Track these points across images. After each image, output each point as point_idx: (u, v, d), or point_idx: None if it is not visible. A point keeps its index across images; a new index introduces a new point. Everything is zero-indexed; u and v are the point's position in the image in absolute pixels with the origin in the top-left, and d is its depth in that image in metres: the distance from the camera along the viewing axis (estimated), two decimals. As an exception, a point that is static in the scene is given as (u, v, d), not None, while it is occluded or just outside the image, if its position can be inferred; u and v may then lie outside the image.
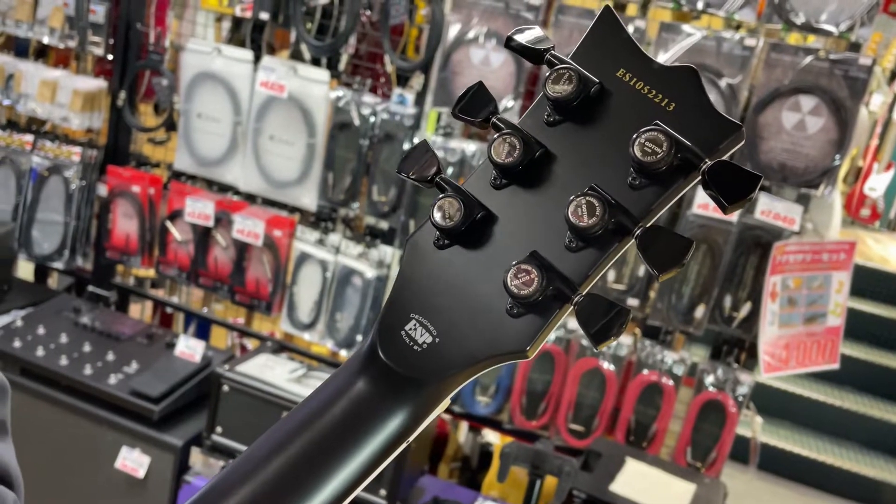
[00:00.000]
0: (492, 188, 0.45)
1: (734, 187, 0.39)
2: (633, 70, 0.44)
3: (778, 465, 4.12)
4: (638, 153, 0.41)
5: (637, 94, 0.43)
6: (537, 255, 0.42)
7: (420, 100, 2.29)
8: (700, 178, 0.41)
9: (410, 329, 0.44)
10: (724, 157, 0.41)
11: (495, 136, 0.44)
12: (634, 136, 0.41)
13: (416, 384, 0.43)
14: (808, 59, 1.99)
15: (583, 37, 0.46)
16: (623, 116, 0.43)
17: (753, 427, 2.26)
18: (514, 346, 0.42)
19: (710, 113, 0.42)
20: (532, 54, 0.45)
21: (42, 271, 2.92)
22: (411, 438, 0.44)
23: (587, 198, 0.41)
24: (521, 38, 0.45)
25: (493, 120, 0.45)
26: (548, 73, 0.44)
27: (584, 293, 0.42)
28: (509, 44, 0.45)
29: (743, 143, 0.42)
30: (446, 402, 0.45)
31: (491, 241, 0.44)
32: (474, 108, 0.45)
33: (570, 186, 0.43)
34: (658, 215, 0.43)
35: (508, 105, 2.20)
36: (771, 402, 4.20)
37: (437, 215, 0.44)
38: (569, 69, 0.44)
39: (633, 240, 0.41)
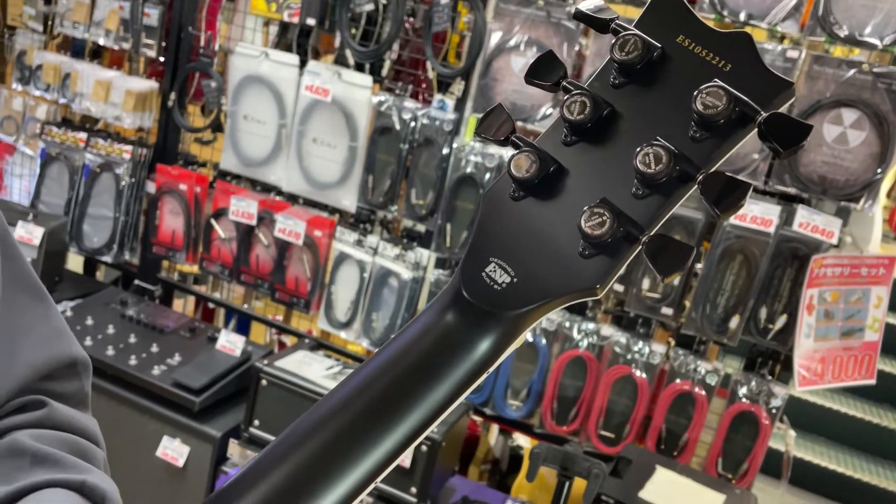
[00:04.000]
0: (562, 145, 0.49)
1: (788, 135, 0.43)
2: (692, 36, 0.47)
3: (811, 480, 4.06)
4: (700, 107, 0.44)
5: (696, 57, 0.47)
6: (607, 200, 0.46)
7: (460, 106, 2.33)
8: (756, 129, 0.44)
9: (490, 271, 0.48)
10: (778, 110, 0.45)
11: (566, 97, 0.48)
12: (696, 92, 0.45)
13: (497, 318, 0.47)
14: (851, 72, 1.98)
15: (645, 7, 0.49)
16: (683, 77, 0.47)
17: (787, 441, 2.25)
18: (586, 284, 0.46)
19: (763, 72, 0.45)
20: (598, 23, 0.49)
21: (91, 264, 3.02)
22: (492, 368, 0.49)
23: (654, 148, 0.45)
24: (587, 9, 0.49)
25: (564, 83, 0.49)
26: (614, 40, 0.48)
27: (651, 234, 0.45)
28: (576, 14, 0.49)
29: (794, 98, 0.46)
30: (523, 337, 0.49)
31: (563, 192, 0.48)
32: (545, 73, 0.49)
33: (635, 141, 0.47)
34: (718, 164, 0.46)
35: (547, 113, 2.22)
36: (805, 416, 4.14)
37: (514, 169, 0.48)
38: (634, 35, 0.47)
39: (696, 185, 0.45)
